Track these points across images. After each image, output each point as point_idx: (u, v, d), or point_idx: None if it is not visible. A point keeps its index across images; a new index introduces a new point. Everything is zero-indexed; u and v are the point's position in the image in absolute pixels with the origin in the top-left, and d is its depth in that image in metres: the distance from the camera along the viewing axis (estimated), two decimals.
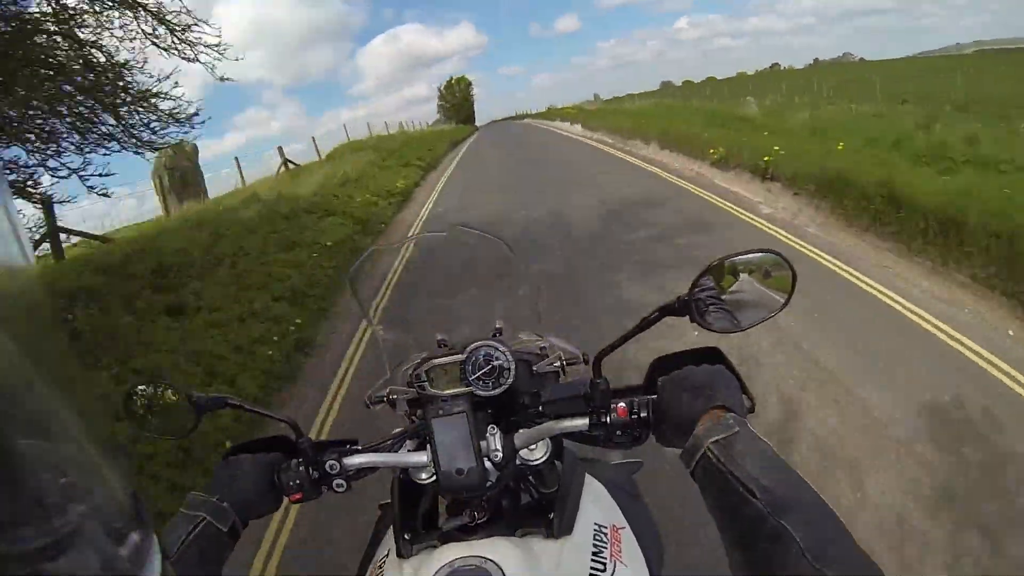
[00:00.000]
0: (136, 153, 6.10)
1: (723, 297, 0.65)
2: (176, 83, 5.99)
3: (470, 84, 58.29)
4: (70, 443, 0.23)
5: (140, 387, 0.76)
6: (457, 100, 55.56)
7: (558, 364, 0.83)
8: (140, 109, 5.85)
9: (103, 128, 5.77)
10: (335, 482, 0.78)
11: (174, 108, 6.00)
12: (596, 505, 0.79)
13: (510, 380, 0.77)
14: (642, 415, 0.69)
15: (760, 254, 0.65)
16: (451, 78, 58.71)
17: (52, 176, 5.74)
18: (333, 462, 0.77)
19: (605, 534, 0.73)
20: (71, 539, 0.20)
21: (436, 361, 0.79)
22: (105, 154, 5.84)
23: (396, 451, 0.81)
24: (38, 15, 5.14)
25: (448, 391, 0.78)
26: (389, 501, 0.79)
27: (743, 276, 0.65)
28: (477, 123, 57.06)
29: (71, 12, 5.23)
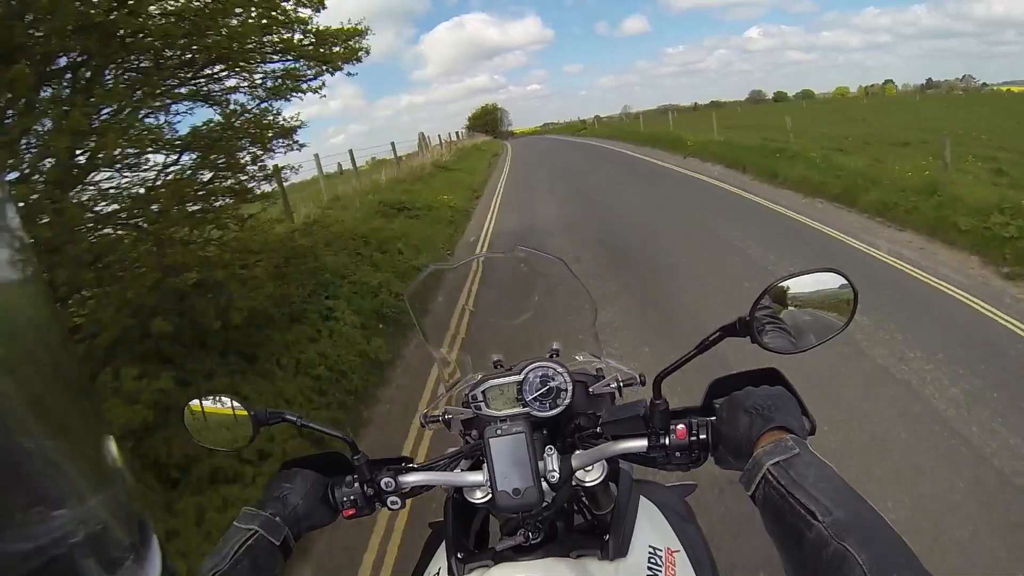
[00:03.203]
0: None
1: (783, 317, 0.65)
2: None
3: (496, 108, 69.64)
4: (71, 458, 0.23)
5: (200, 399, 0.77)
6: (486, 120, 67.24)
7: (615, 385, 0.83)
8: None
9: None
10: (390, 499, 0.78)
11: None
12: (651, 527, 0.78)
13: (567, 401, 0.76)
14: (701, 437, 0.69)
15: (821, 273, 0.63)
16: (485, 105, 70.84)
17: None
18: (388, 479, 0.77)
19: (660, 557, 0.72)
20: (61, 547, 0.20)
21: (493, 381, 0.79)
22: None
23: (451, 470, 0.81)
24: None
25: (505, 411, 0.77)
26: (440, 520, 0.78)
27: (803, 296, 0.64)
28: (512, 130, 62.78)
29: None
